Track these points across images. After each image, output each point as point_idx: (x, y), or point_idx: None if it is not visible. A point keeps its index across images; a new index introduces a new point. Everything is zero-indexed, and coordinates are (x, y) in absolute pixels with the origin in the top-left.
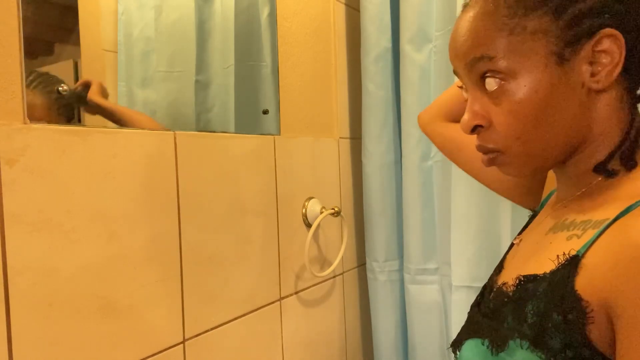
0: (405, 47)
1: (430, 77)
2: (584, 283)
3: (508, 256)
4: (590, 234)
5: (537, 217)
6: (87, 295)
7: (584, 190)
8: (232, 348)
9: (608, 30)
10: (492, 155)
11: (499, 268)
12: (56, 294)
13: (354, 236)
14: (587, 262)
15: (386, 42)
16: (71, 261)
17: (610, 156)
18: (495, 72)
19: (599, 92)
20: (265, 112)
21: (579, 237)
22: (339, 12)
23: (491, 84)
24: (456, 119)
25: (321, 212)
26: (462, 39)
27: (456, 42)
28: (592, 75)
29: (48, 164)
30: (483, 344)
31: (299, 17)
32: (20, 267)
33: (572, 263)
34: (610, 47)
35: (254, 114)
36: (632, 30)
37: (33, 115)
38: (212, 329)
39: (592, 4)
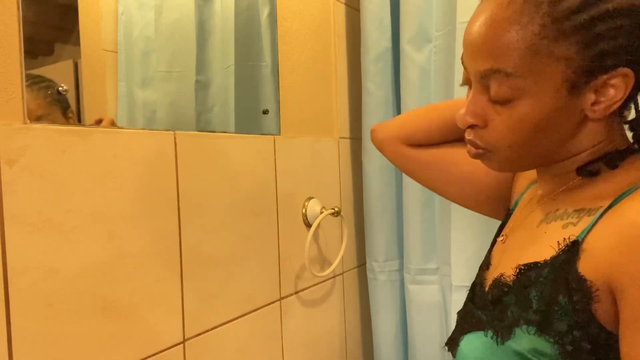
0: (405, 47)
1: (430, 77)
2: (587, 265)
3: (494, 252)
4: (587, 220)
5: (518, 213)
6: (87, 295)
7: (569, 184)
8: (232, 348)
9: (626, 70)
10: (480, 152)
11: (486, 265)
12: (56, 294)
13: (354, 236)
14: (587, 246)
15: (386, 42)
16: (71, 261)
17: (593, 162)
18: (506, 86)
19: (594, 120)
20: (265, 112)
21: (574, 224)
22: (339, 12)
23: (498, 95)
24: (418, 143)
25: (321, 212)
26: (481, 40)
27: (474, 38)
28: (593, 104)
29: (48, 164)
30: (486, 336)
31: (299, 17)
32: (20, 267)
33: (573, 248)
34: (619, 84)
35: (254, 114)
36: None
37: (33, 115)
38: (212, 329)
39: (621, 43)
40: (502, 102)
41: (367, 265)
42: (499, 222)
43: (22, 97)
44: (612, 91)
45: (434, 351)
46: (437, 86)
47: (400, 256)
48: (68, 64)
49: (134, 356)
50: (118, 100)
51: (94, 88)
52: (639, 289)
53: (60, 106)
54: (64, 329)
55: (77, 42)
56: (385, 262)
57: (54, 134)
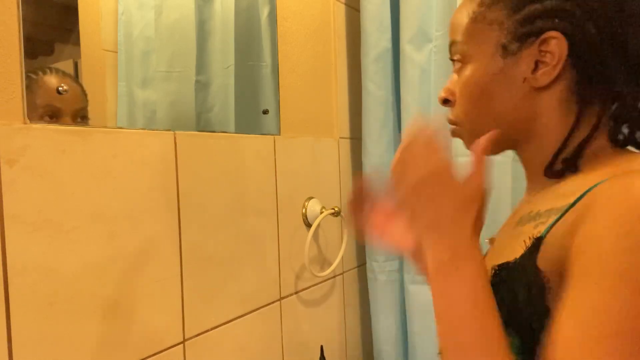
0: (405, 47)
1: (430, 77)
2: (543, 256)
3: (487, 257)
4: (553, 218)
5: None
6: (87, 295)
7: (542, 186)
8: (232, 348)
9: (553, 33)
10: (452, 128)
11: None
12: (56, 294)
13: (354, 236)
14: (547, 239)
15: (386, 42)
16: (71, 261)
17: (554, 159)
18: (459, 55)
19: (541, 89)
20: (265, 112)
21: (544, 223)
22: (339, 12)
23: (456, 64)
24: None
25: (321, 212)
26: (450, 22)
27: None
28: (534, 72)
29: (48, 164)
30: None
31: (299, 17)
32: (20, 267)
33: (537, 244)
34: (553, 49)
35: (254, 114)
36: (583, 36)
37: (33, 115)
38: (212, 329)
39: (548, 6)
40: (457, 71)
41: (367, 265)
42: (499, 223)
43: (22, 97)
44: (548, 57)
45: (433, 351)
46: (437, 86)
47: (400, 256)
48: (68, 64)
49: (134, 356)
50: (118, 100)
51: (94, 88)
52: (590, 248)
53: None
54: (64, 329)
55: (77, 42)
56: (385, 262)
57: (54, 134)
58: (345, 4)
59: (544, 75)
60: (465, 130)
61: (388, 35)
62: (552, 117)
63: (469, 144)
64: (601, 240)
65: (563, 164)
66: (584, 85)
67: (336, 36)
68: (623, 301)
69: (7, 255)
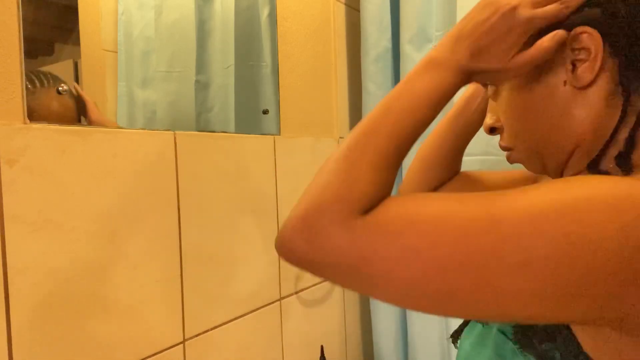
0: (405, 47)
1: None
2: None
3: None
4: None
5: None
6: (87, 295)
7: None
8: (232, 348)
9: (580, 28)
10: (508, 153)
11: None
12: (56, 294)
13: None
14: None
15: (386, 42)
16: (71, 261)
17: (602, 154)
18: (492, 79)
19: (584, 89)
20: (265, 112)
21: None
22: (339, 12)
23: (489, 89)
24: (440, 179)
25: None
26: None
27: None
28: (573, 72)
29: (48, 164)
30: (479, 321)
31: (299, 17)
32: (20, 267)
33: None
34: (586, 44)
35: (254, 114)
36: (614, 20)
37: (33, 116)
38: (212, 329)
39: None
40: (494, 94)
41: None
42: None
43: (22, 97)
44: (582, 54)
45: (434, 351)
46: None
47: None
48: (68, 64)
49: (134, 356)
50: (118, 100)
51: (94, 88)
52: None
53: (60, 105)
54: (64, 329)
55: (77, 42)
56: None
57: (54, 134)
58: (345, 4)
59: (586, 72)
60: (522, 153)
61: (388, 35)
62: (600, 113)
63: (529, 167)
64: (585, 187)
65: (616, 160)
66: (628, 72)
67: (336, 36)
68: (487, 221)
69: (7, 255)
